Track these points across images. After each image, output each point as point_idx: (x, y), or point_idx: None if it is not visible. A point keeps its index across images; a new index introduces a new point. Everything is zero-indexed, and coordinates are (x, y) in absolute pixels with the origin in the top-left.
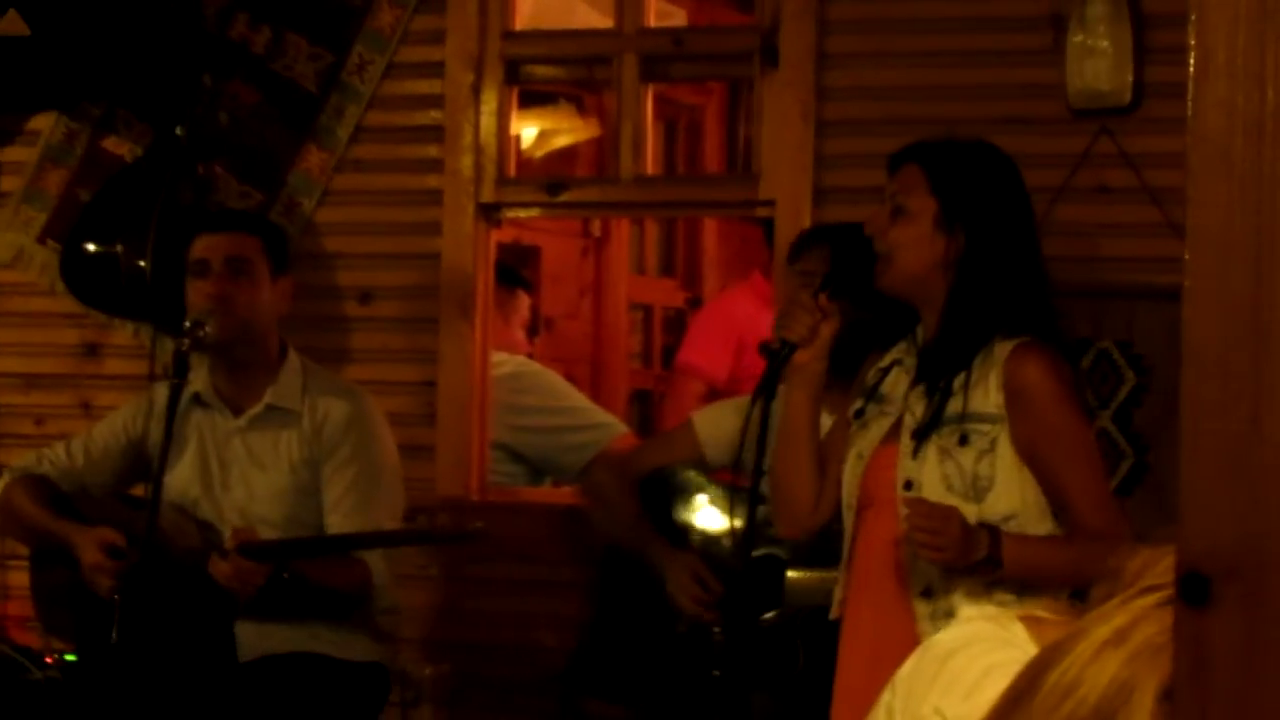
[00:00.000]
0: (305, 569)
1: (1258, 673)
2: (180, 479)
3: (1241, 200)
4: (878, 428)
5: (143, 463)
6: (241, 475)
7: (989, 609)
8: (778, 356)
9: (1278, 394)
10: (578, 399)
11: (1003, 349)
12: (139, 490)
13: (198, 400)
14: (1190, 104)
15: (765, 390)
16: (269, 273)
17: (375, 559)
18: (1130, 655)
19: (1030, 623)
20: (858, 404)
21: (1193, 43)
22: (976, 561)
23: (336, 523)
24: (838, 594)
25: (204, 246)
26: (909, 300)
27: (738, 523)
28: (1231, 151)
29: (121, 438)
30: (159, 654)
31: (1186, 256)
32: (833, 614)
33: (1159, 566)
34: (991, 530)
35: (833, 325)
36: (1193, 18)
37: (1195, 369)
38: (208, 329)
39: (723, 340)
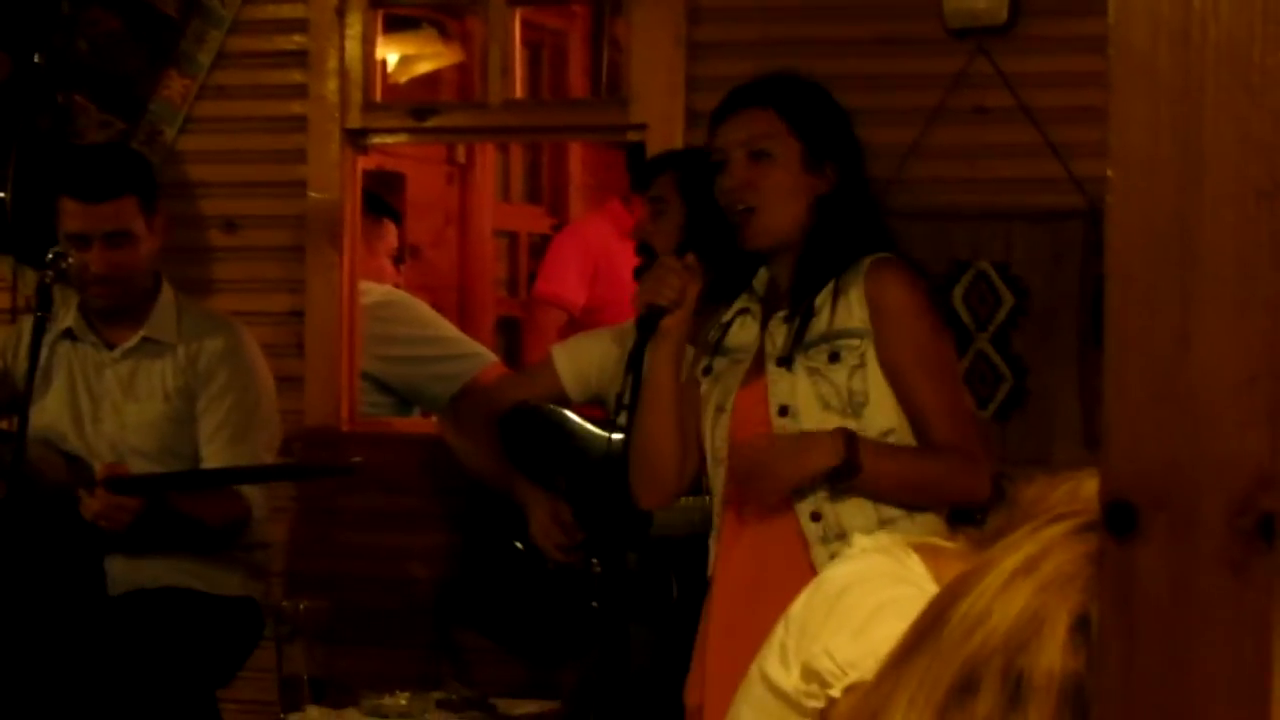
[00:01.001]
0: (180, 503)
1: (1186, 604)
2: (48, 413)
3: (1167, 115)
4: (732, 377)
5: (9, 396)
6: (113, 407)
7: (883, 539)
8: (648, 321)
9: (1205, 316)
10: (446, 328)
11: (858, 266)
12: (4, 424)
13: (68, 334)
14: (1111, 14)
15: (638, 353)
16: (146, 224)
17: (253, 492)
18: (1041, 584)
19: (926, 553)
20: (704, 361)
21: None
22: (832, 468)
23: (212, 454)
24: (714, 549)
25: (80, 219)
26: (769, 251)
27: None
28: (1156, 64)
29: (40, 349)
30: (27, 587)
31: (1109, 174)
32: (711, 571)
33: (1059, 492)
34: (847, 435)
35: (698, 285)
36: None
37: (1120, 290)
38: (70, 261)
39: (579, 268)
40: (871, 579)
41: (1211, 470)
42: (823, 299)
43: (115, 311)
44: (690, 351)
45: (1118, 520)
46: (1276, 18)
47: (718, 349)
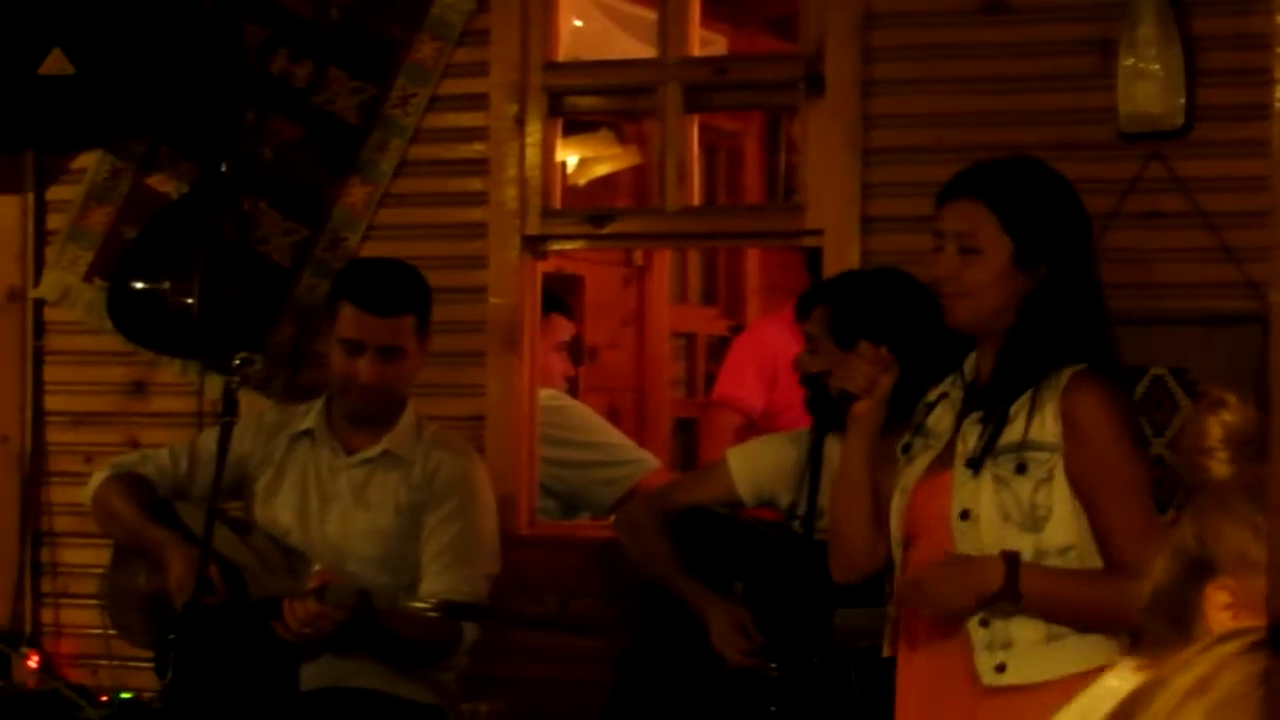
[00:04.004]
0: (390, 619)
1: None
2: (276, 507)
3: None
4: (922, 461)
5: (242, 480)
6: (342, 511)
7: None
8: (836, 403)
9: None
10: (609, 433)
11: (1059, 377)
12: (237, 505)
13: (308, 435)
14: (1275, 122)
15: (818, 432)
16: (417, 343)
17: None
18: (1214, 705)
19: None
20: (905, 439)
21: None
22: (991, 595)
23: (432, 576)
24: (889, 631)
25: (359, 327)
26: (974, 334)
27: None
28: None
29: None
30: (224, 678)
31: (1273, 298)
32: (885, 651)
33: None
34: (1009, 560)
35: (892, 376)
36: (1278, 50)
37: None
38: (256, 366)
39: (757, 371)
40: None
41: None
42: (1019, 407)
43: (362, 420)
44: None
45: None
46: None
47: (918, 430)
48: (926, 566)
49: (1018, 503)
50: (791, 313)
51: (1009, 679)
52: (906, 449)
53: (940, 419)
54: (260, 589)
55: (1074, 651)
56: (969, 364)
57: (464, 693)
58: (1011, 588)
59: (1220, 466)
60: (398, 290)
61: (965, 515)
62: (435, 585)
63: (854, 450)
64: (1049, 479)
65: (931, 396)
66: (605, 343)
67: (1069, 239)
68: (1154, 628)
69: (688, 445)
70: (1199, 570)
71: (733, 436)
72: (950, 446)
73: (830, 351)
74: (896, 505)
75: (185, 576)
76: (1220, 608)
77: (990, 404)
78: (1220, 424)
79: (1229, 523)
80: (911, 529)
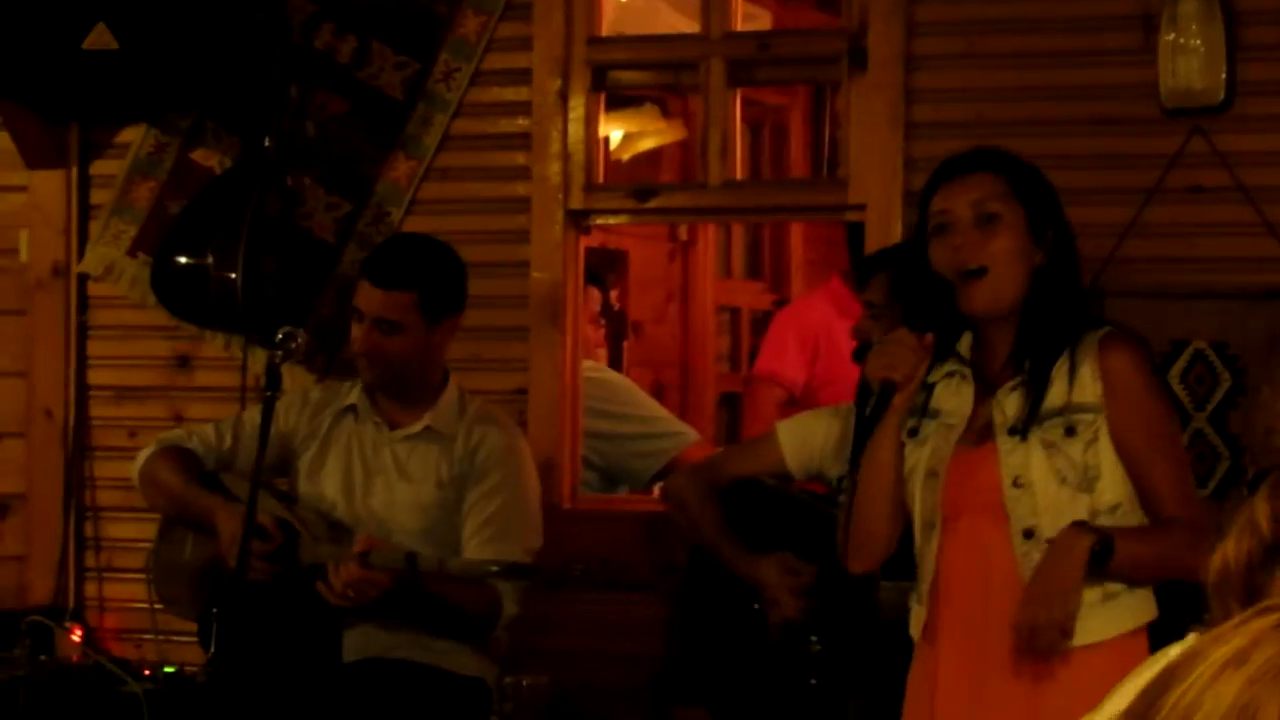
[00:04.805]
0: (431, 584)
1: None
2: (322, 482)
3: None
4: (943, 441)
5: (287, 456)
6: (386, 484)
7: None
8: (882, 395)
9: None
10: (649, 406)
11: (1092, 338)
12: (283, 483)
13: (351, 410)
14: None
15: (871, 423)
16: (422, 324)
17: (506, 588)
18: (1251, 677)
19: None
20: (910, 423)
21: None
22: (1090, 558)
23: (474, 549)
24: (922, 614)
25: (361, 296)
26: (989, 318)
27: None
28: None
29: (270, 427)
30: (265, 654)
31: None
32: (915, 634)
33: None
34: (1079, 525)
35: (926, 363)
36: None
37: None
38: (299, 341)
39: (799, 347)
40: None
41: None
42: (1057, 372)
43: (398, 395)
44: None
45: None
46: None
47: (925, 412)
48: (1019, 608)
49: (1072, 465)
50: (833, 287)
51: (1073, 643)
52: (914, 433)
53: (952, 399)
54: (307, 556)
55: (1127, 609)
56: (964, 346)
57: (506, 666)
58: (1104, 543)
59: None
60: (399, 265)
61: (1018, 483)
62: (478, 558)
63: (887, 440)
64: (1095, 440)
65: (933, 378)
66: (650, 318)
67: (1059, 205)
68: (1222, 606)
69: (732, 420)
70: (1274, 554)
71: (775, 412)
72: (983, 423)
73: (893, 316)
74: (928, 488)
75: (237, 532)
76: None
77: (1029, 370)
78: None
79: None
80: (952, 508)
